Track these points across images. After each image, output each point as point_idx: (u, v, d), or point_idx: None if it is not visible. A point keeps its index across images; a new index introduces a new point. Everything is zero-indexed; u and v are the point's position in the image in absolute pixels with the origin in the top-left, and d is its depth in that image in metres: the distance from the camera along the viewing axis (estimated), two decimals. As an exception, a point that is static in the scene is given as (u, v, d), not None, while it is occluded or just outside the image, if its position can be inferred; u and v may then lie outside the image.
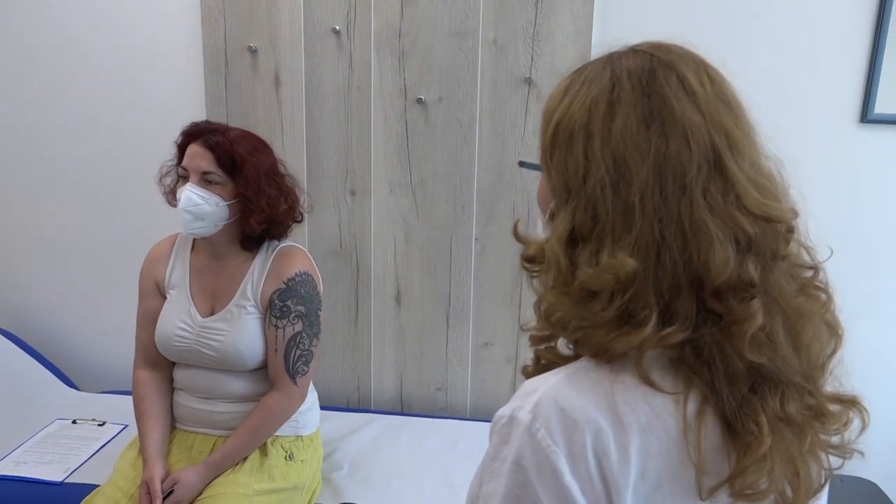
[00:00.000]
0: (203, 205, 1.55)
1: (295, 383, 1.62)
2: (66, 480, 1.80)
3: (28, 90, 2.29)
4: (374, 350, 2.24)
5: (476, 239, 2.12)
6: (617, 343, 0.64)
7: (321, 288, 1.70)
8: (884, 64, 1.88)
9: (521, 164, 0.91)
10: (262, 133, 2.04)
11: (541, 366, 0.76)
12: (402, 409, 2.27)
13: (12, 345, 2.26)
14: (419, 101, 2.05)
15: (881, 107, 1.91)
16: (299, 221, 1.71)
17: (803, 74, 1.93)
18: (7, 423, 2.01)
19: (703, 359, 0.65)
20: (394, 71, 2.05)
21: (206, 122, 1.65)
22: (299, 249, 1.70)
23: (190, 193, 1.54)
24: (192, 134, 1.59)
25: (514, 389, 2.20)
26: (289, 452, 1.67)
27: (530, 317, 2.30)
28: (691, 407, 0.64)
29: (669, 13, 1.94)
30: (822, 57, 1.91)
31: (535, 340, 0.76)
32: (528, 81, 2.00)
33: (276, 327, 1.61)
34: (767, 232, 0.66)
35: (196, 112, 2.14)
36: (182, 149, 1.60)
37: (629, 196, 0.65)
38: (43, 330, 2.46)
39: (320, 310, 1.68)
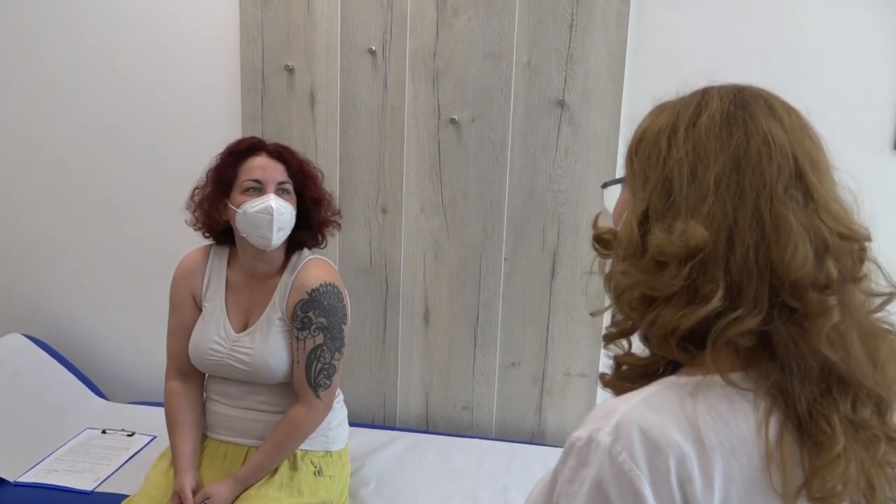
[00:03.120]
0: (286, 214, 1.59)
1: (318, 396, 1.63)
2: (96, 489, 1.81)
3: (66, 104, 2.34)
4: (401, 367, 2.25)
5: (505, 259, 2.13)
6: (685, 319, 0.65)
7: (347, 301, 1.71)
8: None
9: (605, 184, 0.92)
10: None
11: (621, 372, 0.76)
12: (427, 427, 2.27)
13: (44, 354, 2.29)
14: (452, 121, 2.07)
15: (916, 134, 1.90)
16: (339, 227, 1.79)
17: (837, 101, 1.93)
18: (38, 431, 2.03)
19: (776, 357, 0.65)
20: (427, 91, 2.08)
21: (252, 137, 1.69)
22: (326, 262, 1.71)
23: (277, 204, 1.57)
24: (253, 147, 1.63)
25: (539, 410, 2.20)
26: (318, 468, 1.67)
27: (558, 337, 2.30)
28: (772, 430, 0.64)
29: (703, 37, 1.95)
30: (857, 84, 1.92)
31: (609, 338, 0.76)
32: (561, 104, 2.02)
33: (298, 339, 1.62)
34: (843, 248, 0.67)
35: (232, 129, 2.18)
36: (232, 164, 1.62)
37: (705, 178, 0.67)
38: (74, 340, 2.49)
39: (345, 323, 1.68)
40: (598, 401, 2.17)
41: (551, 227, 2.08)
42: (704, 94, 0.75)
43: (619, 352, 0.76)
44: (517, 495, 1.83)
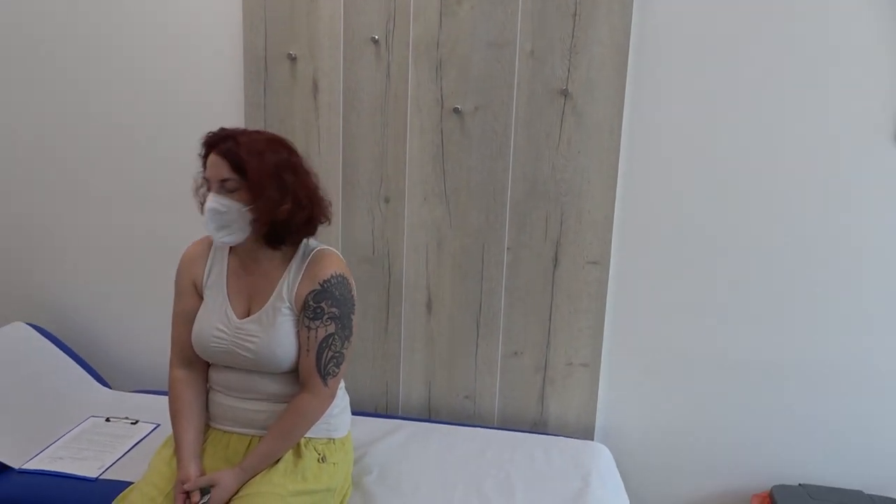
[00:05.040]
0: (225, 213, 1.57)
1: (325, 384, 1.64)
2: (100, 477, 1.82)
3: (68, 93, 2.34)
4: (404, 357, 2.25)
5: (508, 248, 2.13)
6: None
7: (355, 292, 1.72)
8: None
9: None
10: (298, 139, 2.10)
11: None
12: (430, 416, 2.28)
13: (48, 343, 2.30)
14: (455, 110, 2.07)
15: (921, 124, 1.89)
16: (321, 223, 1.69)
17: (840, 92, 1.92)
18: (42, 419, 2.04)
19: None
20: (430, 80, 2.08)
21: (222, 129, 1.64)
22: (336, 253, 1.72)
23: (211, 203, 1.56)
24: (210, 144, 1.62)
25: (542, 399, 2.20)
26: (321, 455, 1.68)
27: (560, 326, 2.30)
28: None
29: (706, 28, 1.95)
30: (859, 75, 1.91)
31: None
32: (565, 93, 2.01)
33: (309, 328, 1.63)
34: None
35: (235, 117, 2.18)
36: (204, 158, 1.63)
37: None
38: (77, 328, 2.50)
39: (353, 313, 1.69)
40: (601, 391, 2.18)
41: (554, 216, 2.08)
42: None
43: None
44: (520, 484, 1.84)
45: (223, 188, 1.58)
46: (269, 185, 1.58)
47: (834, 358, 2.05)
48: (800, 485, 2.08)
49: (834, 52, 1.91)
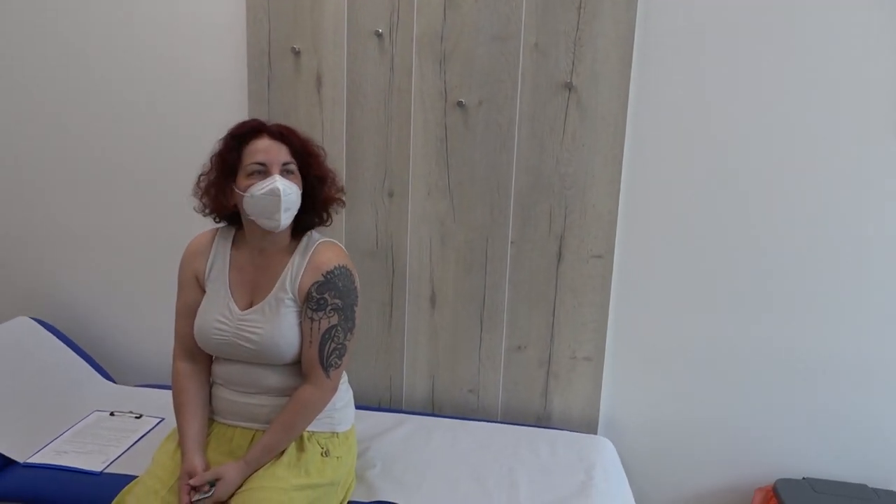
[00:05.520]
0: (292, 195, 1.60)
1: (328, 376, 1.64)
2: (105, 470, 1.82)
3: (72, 88, 2.34)
4: (408, 351, 2.25)
5: (512, 242, 2.12)
6: None
7: (358, 284, 1.72)
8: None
9: None
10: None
11: None
12: (433, 410, 2.28)
13: (52, 337, 2.30)
14: (459, 104, 2.07)
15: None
16: (342, 207, 1.79)
17: (842, 84, 1.91)
18: (46, 413, 2.05)
19: None
20: (434, 74, 2.07)
21: (253, 119, 1.69)
22: (339, 245, 1.73)
23: (283, 185, 1.58)
24: (255, 129, 1.63)
25: (545, 393, 2.20)
26: (325, 449, 1.68)
27: (564, 320, 2.30)
28: None
29: (711, 21, 1.94)
30: (861, 67, 1.90)
31: None
32: (569, 86, 2.01)
33: (312, 319, 1.63)
34: None
35: (239, 112, 2.18)
36: (236, 148, 1.63)
37: None
38: (82, 323, 2.50)
39: (356, 305, 1.69)
40: (604, 384, 2.17)
41: (558, 210, 2.08)
42: None
43: None
44: (523, 477, 1.84)
45: (285, 170, 1.62)
46: (328, 173, 1.71)
47: (839, 352, 2.04)
48: (804, 478, 2.08)
49: (838, 46, 1.90)
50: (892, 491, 1.99)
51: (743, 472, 2.17)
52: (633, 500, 1.82)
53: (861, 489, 2.00)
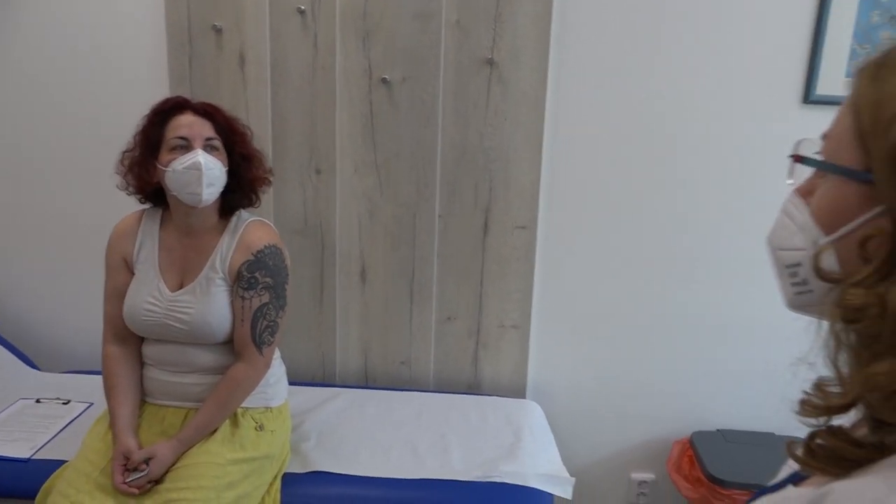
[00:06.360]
0: (215, 169, 1.60)
1: (261, 353, 1.66)
2: (33, 457, 1.80)
3: (-17, 67, 2.26)
4: (340, 326, 2.28)
5: (439, 216, 2.17)
6: None
7: (289, 262, 1.74)
8: (825, 46, 1.98)
9: (801, 158, 0.71)
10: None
11: (819, 453, 0.59)
12: (367, 383, 2.32)
13: (-30, 325, 2.23)
14: (384, 81, 2.09)
15: (823, 88, 2.01)
16: (268, 186, 1.79)
17: (747, 54, 2.03)
18: (-32, 403, 2.00)
19: None
20: (358, 51, 2.09)
21: (177, 96, 1.67)
22: (269, 224, 1.74)
23: (205, 159, 1.58)
24: (179, 105, 1.62)
25: (475, 362, 2.27)
26: (259, 423, 1.70)
27: (492, 292, 2.36)
28: None
29: (624, -2, 2.02)
30: (767, 38, 2.02)
31: (814, 410, 0.59)
32: (491, 62, 2.06)
33: (244, 298, 1.64)
34: None
35: (160, 91, 2.14)
36: (158, 123, 1.62)
37: None
38: (3, 311, 2.43)
39: (287, 283, 1.72)
40: (531, 350, 2.26)
41: (483, 184, 2.14)
42: None
43: (818, 424, 0.60)
44: (455, 442, 1.90)
45: (208, 146, 1.61)
46: (254, 152, 1.71)
47: (749, 312, 2.18)
48: (717, 430, 2.22)
49: (748, 19, 2.01)
50: (796, 437, 2.15)
51: (662, 427, 2.30)
52: (559, 458, 1.90)
53: (768, 437, 2.15)
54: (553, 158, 2.13)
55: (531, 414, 2.10)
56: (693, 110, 2.07)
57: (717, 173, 2.10)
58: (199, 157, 1.57)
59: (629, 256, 2.18)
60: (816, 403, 0.58)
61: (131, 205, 1.73)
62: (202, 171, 1.56)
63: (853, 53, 1.98)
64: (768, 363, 2.18)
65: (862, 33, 1.97)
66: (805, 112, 2.04)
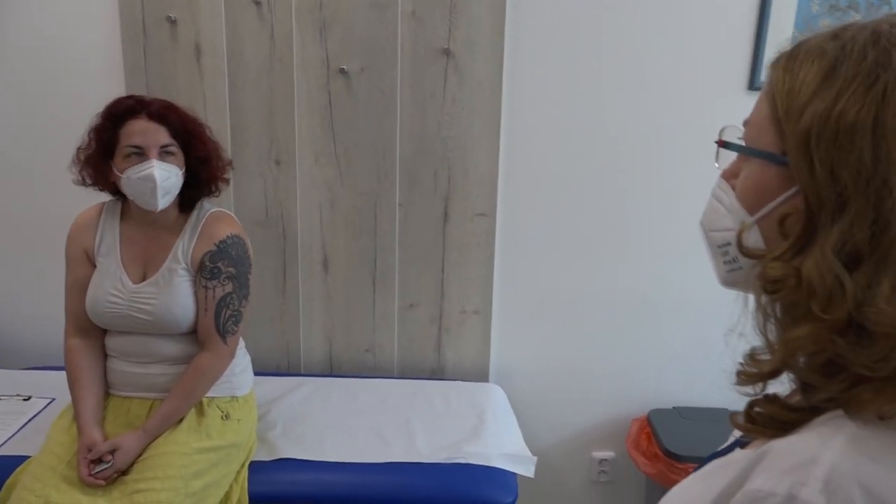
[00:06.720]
0: (171, 177, 1.59)
1: (225, 342, 1.68)
2: (-5, 453, 1.79)
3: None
4: (303, 316, 2.30)
5: (399, 205, 2.20)
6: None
7: (252, 252, 1.75)
8: (769, 35, 2.06)
9: (725, 144, 0.74)
10: (183, 104, 2.06)
11: (758, 419, 0.64)
12: (331, 371, 2.35)
13: (-75, 324, 2.19)
14: (341, 71, 2.11)
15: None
16: (227, 180, 1.79)
17: (694, 43, 2.09)
18: (-75, 402, 1.97)
19: None
20: (315, 42, 2.10)
21: (130, 96, 1.65)
22: (230, 215, 1.75)
23: (160, 171, 1.56)
24: (132, 109, 1.59)
25: (438, 348, 2.31)
26: (225, 412, 1.72)
27: (453, 277, 2.41)
28: None
29: (577, -12, 2.06)
30: (714, 28, 2.08)
31: (748, 378, 0.63)
32: (447, 52, 2.09)
33: (207, 288, 1.66)
34: None
35: (115, 83, 2.12)
36: (112, 127, 1.60)
37: None
38: (-44, 309, 2.39)
39: (250, 273, 1.73)
40: (493, 335, 2.31)
41: (442, 172, 2.17)
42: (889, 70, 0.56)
43: (753, 392, 0.65)
44: (419, 427, 1.94)
45: (164, 153, 1.59)
46: (211, 152, 1.69)
47: (700, 291, 2.25)
48: (673, 407, 2.30)
49: (694, 13, 2.07)
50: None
51: (620, 406, 2.37)
52: (521, 439, 1.95)
53: (722, 412, 2.22)
54: (510, 147, 2.18)
55: (494, 397, 2.15)
56: (644, 98, 2.13)
57: (667, 160, 2.17)
58: (154, 169, 1.56)
59: (584, 242, 2.24)
60: (750, 371, 0.62)
61: (87, 196, 1.72)
62: (157, 184, 1.56)
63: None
64: (717, 341, 2.26)
65: (803, 22, 2.04)
66: (751, 99, 2.09)
